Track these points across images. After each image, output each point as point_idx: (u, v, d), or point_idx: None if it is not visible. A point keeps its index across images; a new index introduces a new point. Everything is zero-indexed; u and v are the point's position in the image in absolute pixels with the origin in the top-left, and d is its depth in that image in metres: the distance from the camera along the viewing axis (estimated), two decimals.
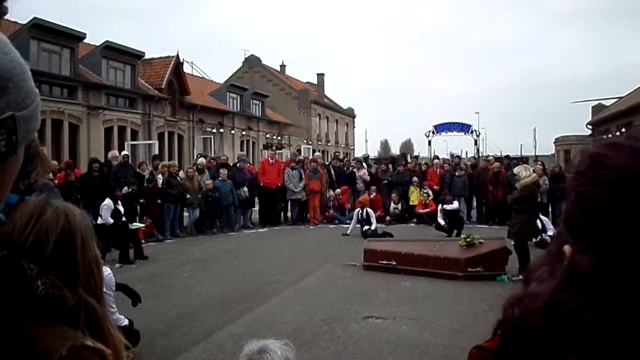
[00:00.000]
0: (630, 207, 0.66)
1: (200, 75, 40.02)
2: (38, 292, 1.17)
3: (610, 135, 30.37)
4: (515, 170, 9.57)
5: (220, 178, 15.27)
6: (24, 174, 2.82)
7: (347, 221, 15.32)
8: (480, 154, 34.86)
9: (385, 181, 17.72)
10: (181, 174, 15.27)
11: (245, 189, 15.76)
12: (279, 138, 40.76)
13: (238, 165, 16.59)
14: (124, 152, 15.21)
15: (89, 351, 1.16)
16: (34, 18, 21.32)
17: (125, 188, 12.53)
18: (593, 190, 0.71)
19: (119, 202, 11.41)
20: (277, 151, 23.01)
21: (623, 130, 27.93)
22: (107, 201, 10.94)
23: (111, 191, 11.57)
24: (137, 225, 11.74)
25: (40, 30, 21.65)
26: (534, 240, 9.91)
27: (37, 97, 0.86)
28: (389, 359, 5.28)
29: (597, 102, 37.27)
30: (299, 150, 27.20)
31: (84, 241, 1.26)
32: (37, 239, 1.20)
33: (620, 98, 33.46)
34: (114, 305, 4.84)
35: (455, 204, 14.05)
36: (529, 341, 0.74)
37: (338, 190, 17.43)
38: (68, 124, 23.00)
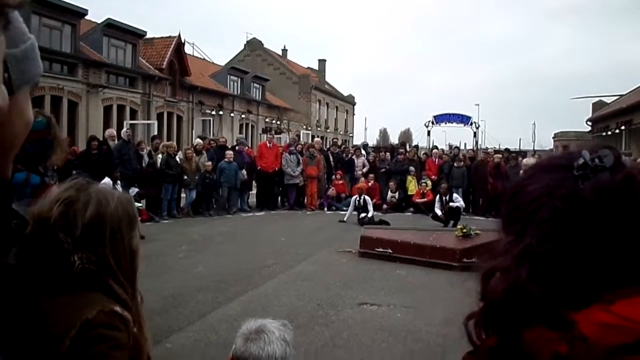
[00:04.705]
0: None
1: (202, 57, 39.79)
2: (75, 266, 1.17)
3: (609, 133, 30.39)
4: (525, 161, 9.57)
5: (226, 159, 15.26)
6: (43, 157, 2.91)
7: (344, 208, 15.34)
8: (479, 146, 34.87)
9: (384, 169, 17.70)
10: (179, 154, 15.24)
11: (244, 171, 15.76)
12: (278, 122, 40.61)
13: (237, 148, 16.56)
14: (127, 129, 15.16)
15: (116, 317, 1.18)
16: None
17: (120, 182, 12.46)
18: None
19: (118, 182, 11.38)
20: (276, 136, 22.94)
21: (622, 128, 27.90)
22: (106, 180, 10.88)
23: (110, 170, 11.53)
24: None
25: (42, 5, 21.36)
26: None
27: (31, 40, 0.85)
28: (383, 345, 5.30)
29: (597, 99, 37.17)
30: (298, 136, 27.12)
31: (114, 231, 1.26)
32: (66, 221, 1.22)
33: (621, 96, 33.38)
34: None
35: (460, 202, 14.05)
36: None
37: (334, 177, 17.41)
38: (67, 101, 22.85)
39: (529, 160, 9.21)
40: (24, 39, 0.83)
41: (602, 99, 36.83)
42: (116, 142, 14.11)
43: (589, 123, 37.29)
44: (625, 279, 0.77)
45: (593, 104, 37.29)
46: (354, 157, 18.39)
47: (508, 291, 0.81)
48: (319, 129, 48.93)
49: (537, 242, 0.80)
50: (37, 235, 1.20)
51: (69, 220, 1.21)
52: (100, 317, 1.14)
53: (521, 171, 9.43)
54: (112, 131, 15.32)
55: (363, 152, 19.44)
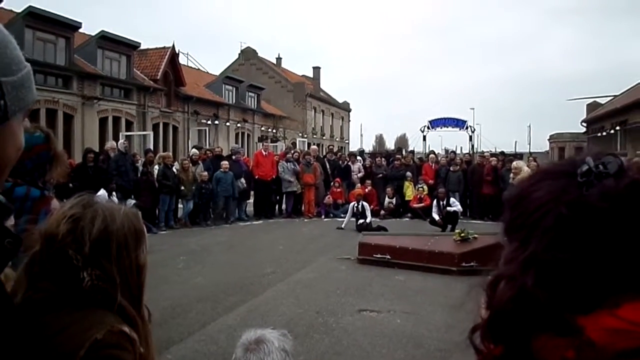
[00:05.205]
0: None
1: (196, 67, 39.88)
2: (84, 283, 1.18)
3: (604, 133, 30.50)
4: (515, 164, 9.56)
5: (222, 169, 15.23)
6: (42, 172, 2.96)
7: (342, 215, 15.33)
8: (475, 150, 34.94)
9: (380, 175, 17.73)
10: (176, 165, 15.23)
11: (243, 180, 15.76)
12: (274, 131, 40.65)
13: (234, 157, 16.53)
14: (123, 141, 15.20)
15: (124, 337, 1.18)
16: (29, 6, 21.14)
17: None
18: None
19: (114, 193, 11.37)
20: (272, 144, 22.94)
21: (617, 128, 28.01)
22: (102, 192, 10.89)
23: (107, 182, 11.53)
24: None
25: (36, 19, 21.46)
26: None
27: (27, 68, 0.87)
28: (383, 352, 5.29)
29: (592, 100, 37.36)
30: (294, 144, 27.14)
31: (120, 247, 1.26)
32: (74, 237, 1.22)
33: (615, 96, 33.56)
34: None
35: (457, 206, 14.04)
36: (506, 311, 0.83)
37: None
38: (62, 113, 22.84)
39: (518, 163, 9.25)
40: (21, 67, 0.85)
41: (597, 99, 37.02)
42: None
43: (584, 124, 37.44)
44: (631, 284, 0.77)
45: (587, 105, 37.48)
46: (350, 163, 18.42)
47: (515, 299, 0.80)
48: (314, 136, 48.98)
49: (542, 249, 0.80)
50: (46, 252, 1.21)
51: (76, 237, 1.21)
52: (109, 338, 1.14)
53: (511, 174, 9.44)
54: (113, 143, 15.32)
55: (359, 158, 19.49)
